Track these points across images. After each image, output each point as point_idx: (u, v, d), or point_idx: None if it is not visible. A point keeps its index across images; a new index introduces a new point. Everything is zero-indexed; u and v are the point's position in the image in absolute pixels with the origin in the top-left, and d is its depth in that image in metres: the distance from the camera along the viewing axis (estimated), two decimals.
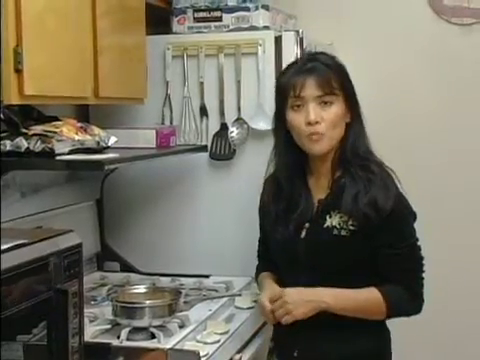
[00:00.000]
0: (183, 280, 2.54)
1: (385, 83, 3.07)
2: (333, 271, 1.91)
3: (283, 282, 2.00)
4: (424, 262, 1.97)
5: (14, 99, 1.70)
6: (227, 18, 2.56)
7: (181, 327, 2.02)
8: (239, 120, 2.52)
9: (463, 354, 3.07)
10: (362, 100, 3.13)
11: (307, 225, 1.96)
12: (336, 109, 1.92)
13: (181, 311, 2.09)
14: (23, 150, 1.87)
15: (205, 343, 1.94)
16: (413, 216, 1.97)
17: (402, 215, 1.92)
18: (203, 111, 2.56)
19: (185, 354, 1.87)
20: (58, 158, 1.88)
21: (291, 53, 2.46)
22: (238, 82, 2.51)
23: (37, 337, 1.46)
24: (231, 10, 2.56)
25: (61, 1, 1.87)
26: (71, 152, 1.92)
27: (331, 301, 1.88)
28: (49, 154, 1.87)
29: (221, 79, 2.53)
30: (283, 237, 1.98)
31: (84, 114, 2.54)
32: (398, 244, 1.91)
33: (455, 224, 3.06)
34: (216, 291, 2.43)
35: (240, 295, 2.34)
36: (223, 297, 2.33)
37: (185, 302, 2.22)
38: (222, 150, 2.56)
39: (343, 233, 1.89)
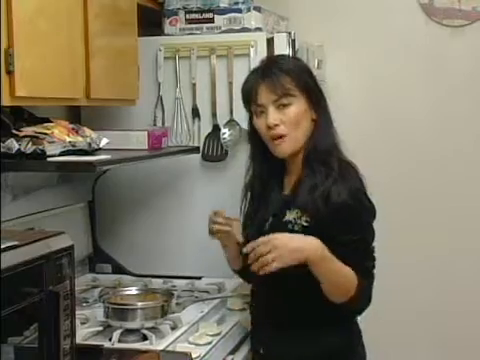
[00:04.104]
0: (175, 282, 2.54)
1: (376, 84, 3.08)
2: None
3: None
4: (376, 263, 1.92)
5: (5, 100, 1.70)
6: (219, 19, 2.57)
7: (173, 329, 2.02)
8: (231, 121, 2.52)
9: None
10: (353, 101, 3.15)
11: (270, 219, 1.98)
12: (295, 109, 1.92)
13: (173, 313, 2.09)
14: (14, 152, 1.86)
15: (197, 345, 1.94)
16: (369, 212, 1.92)
17: (353, 208, 1.87)
18: (195, 112, 2.57)
19: (177, 356, 1.87)
20: (49, 160, 1.87)
21: None
22: (230, 83, 2.50)
23: (28, 339, 1.46)
24: (223, 11, 2.57)
25: (53, 3, 1.87)
26: (62, 154, 1.91)
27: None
28: (40, 156, 1.87)
29: (213, 80, 2.53)
30: (251, 231, 2.00)
31: (76, 116, 2.54)
32: (344, 237, 1.85)
33: (451, 223, 3.06)
34: (208, 293, 2.43)
35: (232, 297, 2.35)
36: (215, 299, 2.34)
37: (177, 304, 2.22)
38: (214, 151, 2.56)
39: (296, 228, 1.88)
